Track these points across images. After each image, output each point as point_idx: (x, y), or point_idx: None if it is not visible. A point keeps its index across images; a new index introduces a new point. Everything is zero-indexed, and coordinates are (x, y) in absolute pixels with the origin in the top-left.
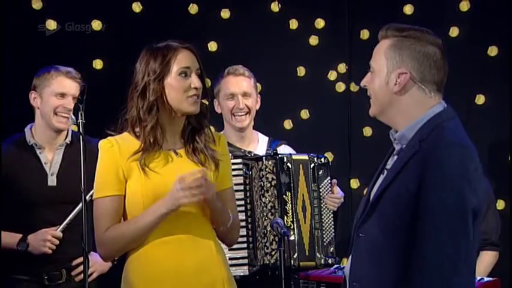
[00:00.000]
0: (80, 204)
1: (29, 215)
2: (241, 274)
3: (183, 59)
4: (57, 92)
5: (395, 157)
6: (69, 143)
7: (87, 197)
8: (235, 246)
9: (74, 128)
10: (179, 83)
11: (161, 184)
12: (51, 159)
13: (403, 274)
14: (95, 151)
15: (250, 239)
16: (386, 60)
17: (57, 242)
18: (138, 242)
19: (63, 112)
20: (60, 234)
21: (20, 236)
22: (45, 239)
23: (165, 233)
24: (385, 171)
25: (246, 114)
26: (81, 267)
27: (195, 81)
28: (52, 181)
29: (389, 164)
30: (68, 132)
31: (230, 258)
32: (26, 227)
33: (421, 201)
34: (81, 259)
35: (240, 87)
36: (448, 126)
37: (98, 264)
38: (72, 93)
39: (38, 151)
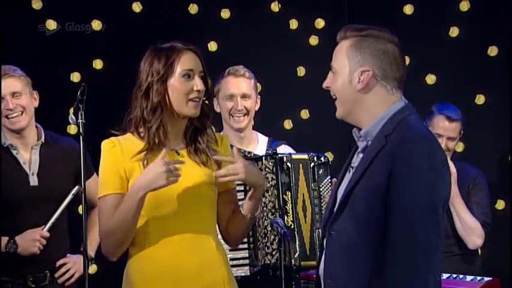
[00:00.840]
0: (64, 203)
1: (13, 216)
2: (243, 274)
3: (186, 61)
4: None
5: (361, 154)
6: (44, 142)
7: (70, 196)
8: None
9: (74, 128)
10: (182, 85)
11: None
12: (28, 159)
13: (377, 268)
14: (66, 151)
15: (251, 239)
16: (348, 59)
17: (45, 241)
18: (130, 232)
19: (9, 113)
20: (48, 234)
21: (5, 238)
22: (34, 239)
23: (165, 234)
24: (351, 169)
25: (244, 115)
26: (63, 269)
27: (198, 83)
28: (34, 181)
29: (355, 161)
30: (40, 132)
31: (231, 259)
32: (11, 229)
33: (393, 195)
34: (63, 260)
35: (240, 89)
36: (411, 121)
37: (77, 264)
38: (9, 90)
39: (14, 152)
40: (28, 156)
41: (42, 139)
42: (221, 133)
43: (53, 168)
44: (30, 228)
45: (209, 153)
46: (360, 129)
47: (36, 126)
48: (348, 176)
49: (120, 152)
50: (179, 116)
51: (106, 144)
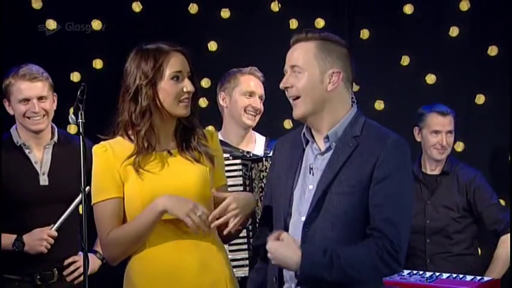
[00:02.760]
0: (74, 203)
1: (22, 215)
2: (243, 275)
3: (175, 63)
4: (20, 99)
5: (321, 156)
6: (56, 141)
7: (80, 196)
8: (235, 247)
9: (74, 128)
10: (172, 88)
11: (158, 185)
12: (40, 158)
13: None
14: (79, 151)
15: (251, 240)
16: (317, 60)
17: (53, 241)
18: (141, 242)
19: (33, 115)
20: (56, 233)
21: (13, 236)
22: (42, 238)
23: (165, 233)
24: (312, 170)
25: (257, 115)
26: (72, 267)
27: (187, 85)
28: (44, 180)
29: (314, 163)
30: (53, 131)
31: (231, 260)
32: (20, 227)
33: (378, 191)
34: (72, 258)
35: (260, 89)
36: (376, 124)
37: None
38: (37, 94)
39: (26, 151)
40: (41, 156)
41: (55, 138)
42: (221, 131)
43: (64, 168)
44: (39, 227)
45: (200, 149)
46: (310, 132)
47: (51, 126)
48: (306, 178)
49: (112, 156)
50: (170, 116)
51: (97, 149)
